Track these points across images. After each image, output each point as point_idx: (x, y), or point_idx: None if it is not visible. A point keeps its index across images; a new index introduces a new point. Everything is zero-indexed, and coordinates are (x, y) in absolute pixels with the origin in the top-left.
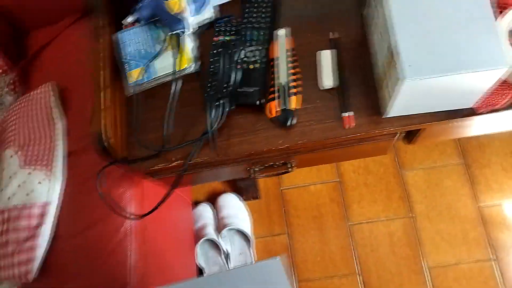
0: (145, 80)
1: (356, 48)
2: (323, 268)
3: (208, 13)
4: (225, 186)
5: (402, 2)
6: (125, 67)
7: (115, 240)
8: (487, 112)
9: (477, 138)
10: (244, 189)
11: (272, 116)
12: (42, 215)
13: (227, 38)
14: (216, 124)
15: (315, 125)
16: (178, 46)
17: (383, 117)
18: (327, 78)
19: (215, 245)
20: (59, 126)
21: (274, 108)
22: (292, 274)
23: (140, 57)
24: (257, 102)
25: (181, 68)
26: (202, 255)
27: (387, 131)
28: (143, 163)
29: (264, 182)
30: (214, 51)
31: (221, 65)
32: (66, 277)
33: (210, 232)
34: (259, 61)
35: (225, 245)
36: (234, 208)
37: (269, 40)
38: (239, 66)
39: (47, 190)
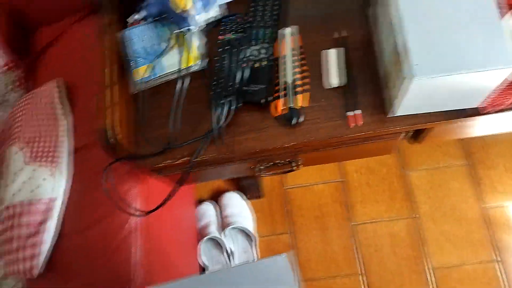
0: (152, 77)
1: (361, 48)
2: (326, 267)
3: (214, 11)
4: (228, 185)
5: (410, 1)
6: (132, 64)
7: (120, 237)
8: (494, 112)
9: (481, 138)
10: (247, 188)
11: (278, 114)
12: (47, 211)
13: (233, 36)
14: (223, 122)
15: (320, 124)
16: (184, 44)
17: (389, 116)
18: (333, 77)
19: (218, 243)
20: (64, 123)
21: (279, 106)
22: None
23: (147, 55)
24: (263, 100)
25: (188, 66)
26: (205, 254)
27: (393, 130)
28: (149, 160)
29: (267, 181)
30: (220, 49)
31: (227, 63)
32: (71, 273)
33: (213, 231)
34: (265, 59)
35: (228, 243)
36: (238, 207)
37: (275, 38)
38: (245, 64)
39: (52, 186)
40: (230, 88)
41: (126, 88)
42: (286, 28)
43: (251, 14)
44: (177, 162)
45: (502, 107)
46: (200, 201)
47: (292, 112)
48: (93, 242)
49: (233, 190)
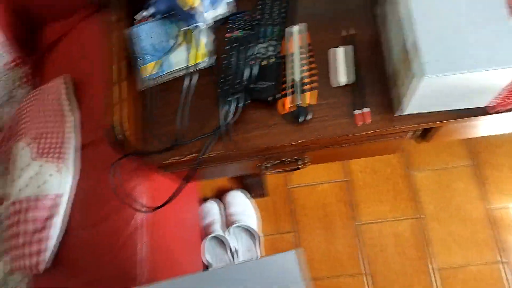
0: (159, 74)
1: (369, 46)
2: (330, 267)
3: (222, 8)
4: (232, 183)
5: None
6: (139, 61)
7: (126, 233)
8: (503, 111)
9: (486, 139)
10: (252, 186)
11: (285, 112)
12: (54, 207)
13: (241, 33)
14: (230, 119)
15: (328, 122)
16: (192, 41)
17: (397, 115)
18: (341, 75)
19: (222, 242)
20: (71, 119)
21: (287, 104)
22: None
23: (155, 51)
24: (271, 98)
25: (195, 63)
26: (209, 252)
27: (400, 129)
28: (157, 157)
29: (271, 180)
30: (228, 47)
31: (235, 61)
32: (76, 269)
33: (217, 229)
34: (273, 57)
35: (232, 242)
36: (242, 205)
37: (283, 36)
38: (253, 62)
39: (58, 182)
40: (237, 86)
41: (134, 84)
42: (294, 26)
43: (259, 11)
44: (184, 159)
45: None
46: (204, 199)
47: (300, 110)
48: (99, 238)
49: (237, 188)
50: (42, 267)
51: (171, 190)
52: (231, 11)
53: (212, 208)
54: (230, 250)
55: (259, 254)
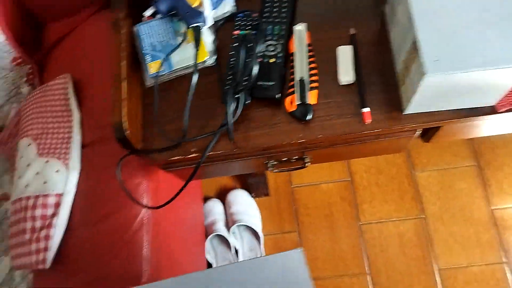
0: (165, 72)
1: (375, 44)
2: (333, 266)
3: (227, 7)
4: (235, 183)
5: None
6: (145, 58)
7: (130, 231)
8: (509, 111)
9: (490, 140)
10: (254, 185)
11: (292, 110)
12: (58, 205)
13: (247, 31)
14: (235, 117)
15: (334, 120)
16: (196, 40)
17: (403, 113)
18: (346, 74)
19: (224, 240)
20: (76, 118)
21: (294, 101)
22: None
23: (160, 49)
24: (278, 96)
25: (201, 61)
26: (211, 251)
27: (406, 127)
28: (161, 154)
29: (274, 180)
30: (234, 45)
31: (241, 58)
32: (80, 266)
33: (220, 228)
34: (277, 55)
35: (234, 241)
36: (244, 204)
37: (288, 34)
38: (259, 60)
39: (63, 179)
40: (243, 83)
41: (139, 82)
42: (300, 24)
43: (265, 10)
44: (188, 157)
45: None
46: (206, 199)
47: (306, 108)
48: (100, 237)
49: (240, 187)
50: (48, 263)
51: (173, 189)
52: (237, 9)
53: (215, 207)
54: (233, 249)
55: (262, 253)
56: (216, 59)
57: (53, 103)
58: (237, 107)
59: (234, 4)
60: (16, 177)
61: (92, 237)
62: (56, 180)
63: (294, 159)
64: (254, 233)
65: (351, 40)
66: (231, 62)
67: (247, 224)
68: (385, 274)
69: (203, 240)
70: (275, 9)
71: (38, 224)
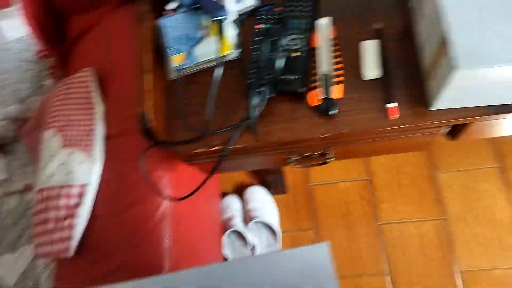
0: (187, 65)
1: (401, 39)
2: (351, 266)
3: (250, 1)
4: (252, 179)
5: None
6: (168, 52)
7: (152, 222)
8: None
9: None
10: (272, 183)
11: (315, 104)
12: (82, 195)
13: (270, 25)
14: (258, 111)
15: (358, 115)
16: (219, 33)
17: (430, 109)
18: (371, 69)
19: (241, 236)
20: (99, 110)
21: (317, 96)
22: None
23: (183, 43)
24: (301, 90)
25: (224, 54)
26: (228, 246)
27: (433, 124)
28: (184, 147)
29: (292, 177)
30: (257, 38)
31: (264, 52)
32: (102, 255)
33: (237, 224)
34: (301, 50)
35: (251, 237)
36: (262, 201)
37: (311, 28)
38: (282, 54)
39: (87, 170)
40: (266, 77)
41: (162, 75)
42: (324, 18)
43: (289, 3)
44: (211, 150)
45: None
46: (224, 194)
47: (330, 103)
48: (124, 227)
49: (258, 184)
50: (71, 252)
51: (194, 182)
52: (260, 3)
53: (232, 203)
54: (250, 245)
55: (279, 250)
56: (239, 53)
57: (77, 95)
58: (260, 101)
59: None
60: (40, 168)
61: (114, 227)
62: (79, 171)
63: (316, 154)
64: (272, 230)
65: (377, 35)
66: (254, 56)
67: (265, 221)
68: (404, 275)
69: (220, 235)
70: (299, 3)
71: (61, 213)
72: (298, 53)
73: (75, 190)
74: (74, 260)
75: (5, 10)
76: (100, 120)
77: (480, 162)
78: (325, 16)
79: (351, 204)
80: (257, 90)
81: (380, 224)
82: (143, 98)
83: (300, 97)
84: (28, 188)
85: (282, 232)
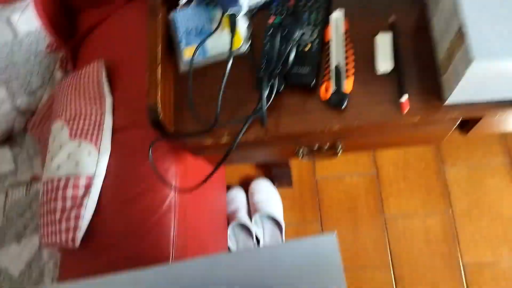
0: (199, 58)
1: (415, 32)
2: (355, 258)
3: None
4: (258, 172)
5: None
6: (180, 44)
7: (158, 213)
8: None
9: None
10: (278, 176)
11: (327, 98)
12: (89, 186)
13: (283, 18)
14: (268, 103)
15: (370, 108)
16: (232, 26)
17: (444, 103)
18: (384, 62)
19: (246, 229)
20: (108, 102)
21: (329, 89)
22: None
23: (195, 35)
24: (313, 83)
25: (235, 47)
26: (233, 238)
27: (447, 117)
28: (193, 139)
29: (297, 171)
30: (270, 31)
31: (276, 45)
32: (108, 246)
33: (242, 216)
34: (313, 42)
35: (256, 229)
36: (267, 194)
37: (324, 21)
38: (294, 47)
39: (94, 162)
40: (278, 70)
41: (173, 68)
42: (337, 11)
43: None
44: (220, 141)
45: None
46: (229, 187)
47: (342, 96)
48: (130, 218)
49: (263, 177)
50: (78, 242)
51: (200, 174)
52: None
53: (238, 196)
54: (254, 237)
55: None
56: (250, 46)
57: (86, 87)
58: (270, 93)
59: None
60: (48, 159)
61: (120, 218)
62: (87, 162)
63: (326, 147)
64: (276, 223)
65: (391, 28)
66: (266, 49)
67: (270, 214)
68: (408, 268)
69: (225, 227)
70: None
71: (68, 204)
72: (311, 46)
73: (82, 181)
74: (80, 250)
75: (17, 3)
76: (109, 112)
77: (489, 157)
78: (341, 8)
79: (356, 198)
80: (269, 82)
81: (386, 217)
82: (153, 90)
83: (311, 90)
84: (34, 180)
85: (287, 225)
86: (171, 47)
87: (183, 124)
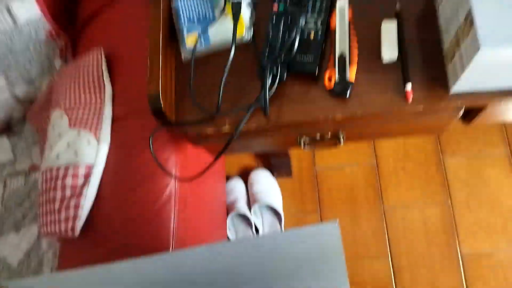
0: (202, 46)
1: (420, 21)
2: (354, 248)
3: None
4: (257, 162)
5: None
6: (182, 32)
7: (158, 203)
8: None
9: None
10: (278, 166)
11: (331, 86)
12: (88, 175)
13: (287, 5)
14: (270, 91)
15: (374, 97)
16: (234, 14)
17: (449, 92)
18: (390, 50)
19: (245, 219)
20: (107, 91)
21: (333, 77)
22: None
23: (197, 23)
24: (314, 71)
25: (239, 35)
26: (232, 228)
27: (451, 105)
28: (194, 127)
29: (297, 161)
30: (274, 19)
31: (280, 33)
32: (107, 235)
33: (241, 206)
34: (317, 31)
35: (255, 220)
36: (266, 184)
37: (329, 9)
38: (298, 34)
39: (94, 151)
40: (282, 58)
41: (175, 56)
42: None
43: None
44: (222, 130)
45: None
46: (228, 177)
47: (346, 85)
48: (130, 207)
49: (262, 167)
50: (77, 231)
51: (200, 164)
52: None
53: (237, 186)
54: (254, 228)
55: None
56: (253, 34)
57: (86, 76)
58: (273, 81)
59: None
60: (47, 148)
61: (121, 207)
62: (87, 151)
63: (328, 137)
64: (276, 213)
65: (396, 16)
66: (270, 37)
67: (269, 204)
68: (406, 258)
69: (225, 217)
70: None
71: (68, 193)
72: (315, 34)
73: (82, 170)
74: (79, 240)
75: None
76: (108, 101)
77: (489, 149)
78: None
79: (356, 189)
80: (272, 71)
81: (385, 208)
82: (154, 79)
83: (314, 79)
84: (33, 169)
85: (286, 215)
86: (174, 35)
87: (184, 113)
